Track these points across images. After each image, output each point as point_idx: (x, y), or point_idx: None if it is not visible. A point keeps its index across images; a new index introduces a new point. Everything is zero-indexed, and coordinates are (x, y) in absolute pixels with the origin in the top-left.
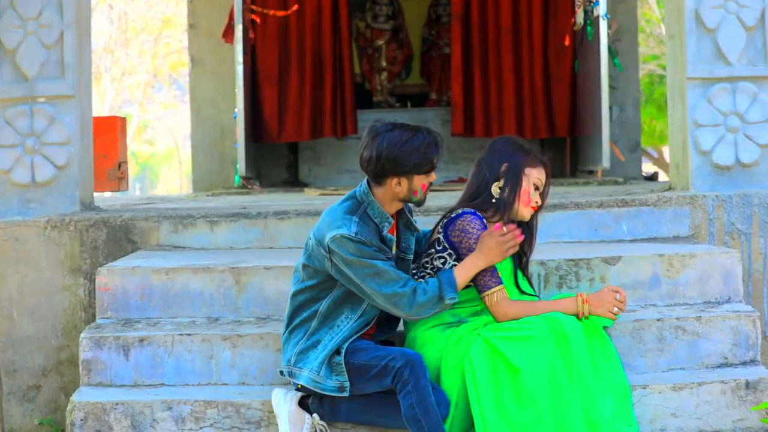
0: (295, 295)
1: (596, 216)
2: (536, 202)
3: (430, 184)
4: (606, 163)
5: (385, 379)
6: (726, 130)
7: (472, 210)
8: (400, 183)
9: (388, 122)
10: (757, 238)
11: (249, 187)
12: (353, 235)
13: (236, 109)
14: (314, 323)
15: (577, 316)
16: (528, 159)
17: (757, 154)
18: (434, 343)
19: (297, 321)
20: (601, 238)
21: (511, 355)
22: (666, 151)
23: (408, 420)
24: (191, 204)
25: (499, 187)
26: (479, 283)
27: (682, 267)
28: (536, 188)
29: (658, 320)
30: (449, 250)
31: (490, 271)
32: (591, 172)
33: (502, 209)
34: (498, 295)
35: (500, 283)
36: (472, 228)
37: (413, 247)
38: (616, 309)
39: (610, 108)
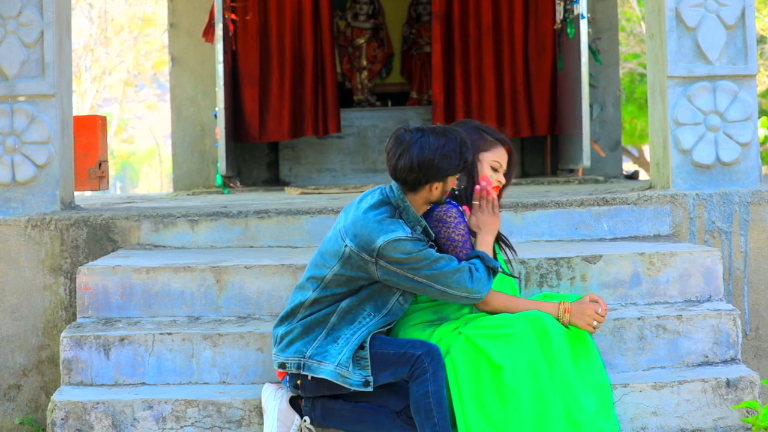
0: (317, 300)
1: (577, 215)
2: (498, 182)
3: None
4: (586, 161)
5: (403, 366)
6: (706, 129)
7: (447, 200)
8: (436, 188)
9: (414, 127)
10: (738, 236)
11: (231, 186)
12: (409, 235)
13: (216, 108)
14: (334, 318)
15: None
16: (481, 143)
17: (737, 152)
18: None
19: (311, 316)
20: (581, 237)
21: (492, 352)
22: (646, 149)
23: (418, 409)
24: (172, 203)
25: (457, 178)
26: None
27: (663, 266)
28: (495, 169)
29: (638, 319)
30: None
31: (467, 245)
32: (571, 171)
33: (464, 200)
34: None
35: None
36: (449, 217)
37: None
38: (595, 322)
39: (591, 106)
